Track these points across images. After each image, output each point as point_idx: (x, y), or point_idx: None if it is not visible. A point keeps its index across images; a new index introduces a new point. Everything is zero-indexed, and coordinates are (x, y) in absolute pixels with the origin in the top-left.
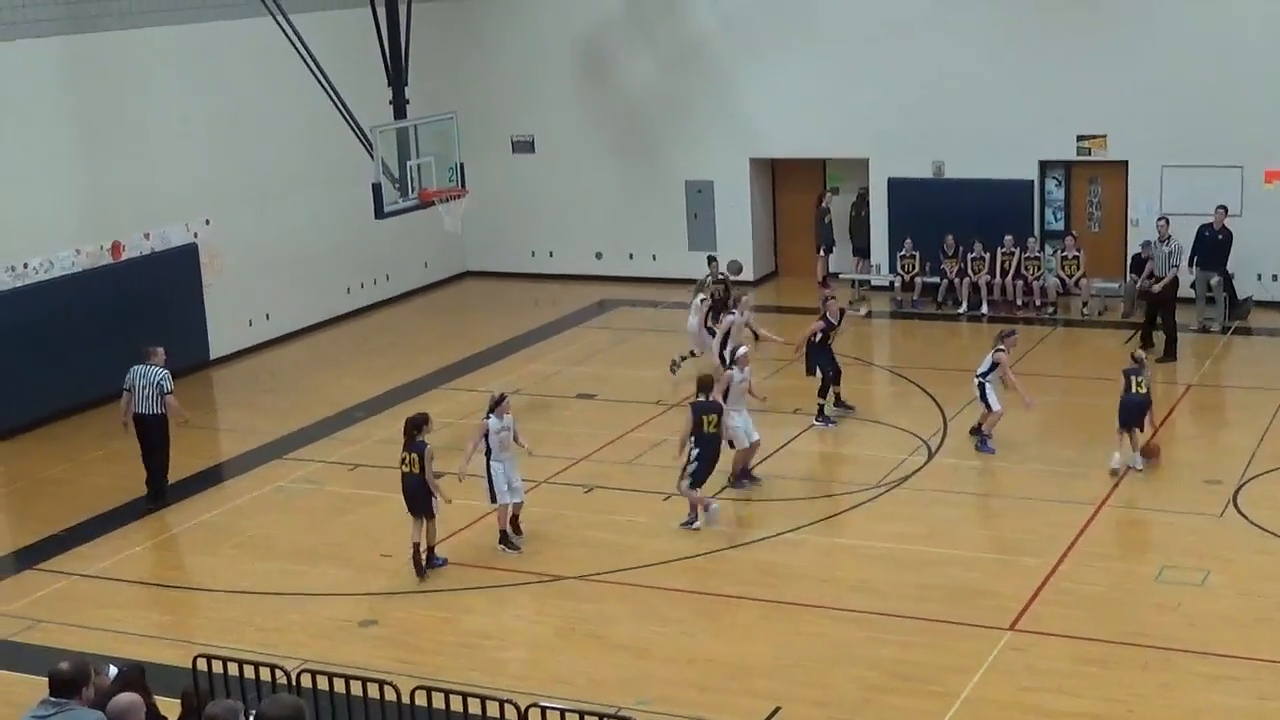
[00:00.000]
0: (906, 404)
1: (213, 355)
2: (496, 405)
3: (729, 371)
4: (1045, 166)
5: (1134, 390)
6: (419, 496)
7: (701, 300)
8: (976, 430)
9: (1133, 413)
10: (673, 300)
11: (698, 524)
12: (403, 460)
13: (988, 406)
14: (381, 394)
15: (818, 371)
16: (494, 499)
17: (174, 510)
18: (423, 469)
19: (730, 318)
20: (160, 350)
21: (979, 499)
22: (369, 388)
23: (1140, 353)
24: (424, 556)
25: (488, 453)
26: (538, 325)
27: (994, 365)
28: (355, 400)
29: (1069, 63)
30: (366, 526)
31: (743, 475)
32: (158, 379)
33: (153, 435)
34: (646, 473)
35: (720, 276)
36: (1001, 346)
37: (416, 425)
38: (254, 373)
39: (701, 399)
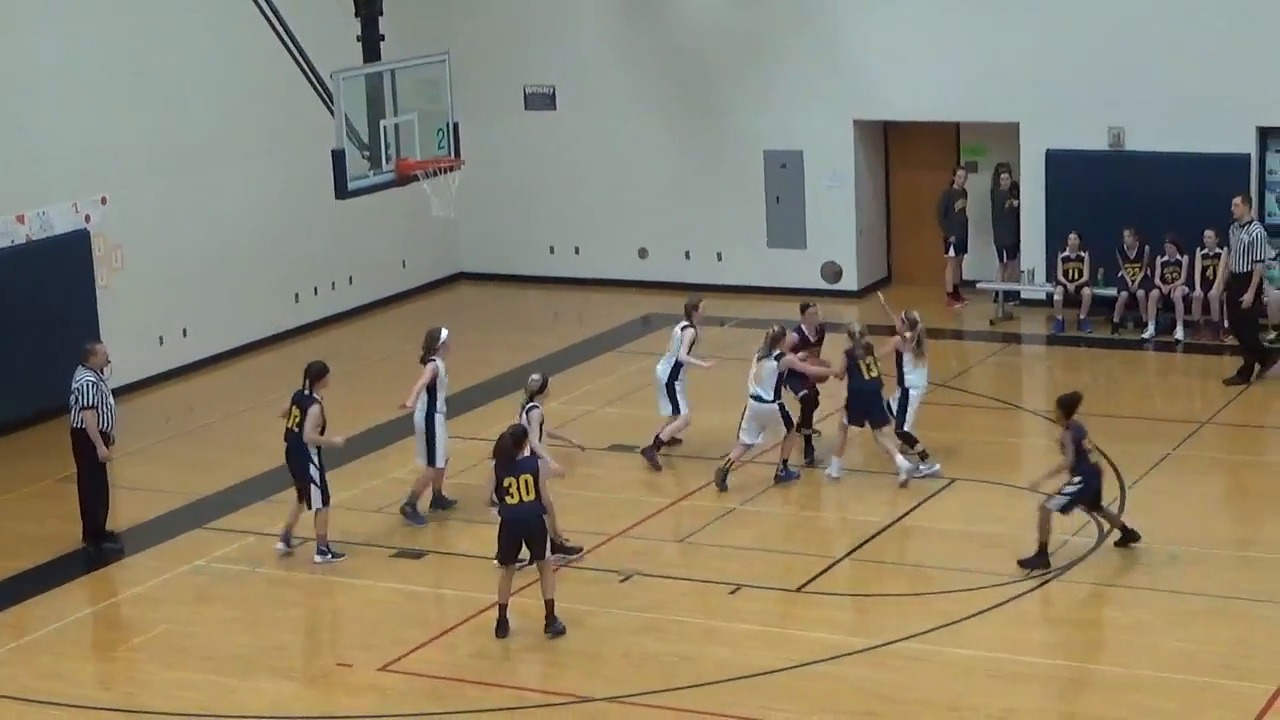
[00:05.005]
0: None
1: (109, 384)
2: (436, 345)
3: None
4: (1266, 135)
5: (867, 376)
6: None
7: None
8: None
9: (870, 403)
10: (749, 316)
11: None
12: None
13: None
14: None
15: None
16: (432, 461)
17: (50, 597)
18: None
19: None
20: (99, 348)
21: (1170, 597)
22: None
23: (857, 326)
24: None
25: (431, 404)
26: (558, 348)
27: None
28: None
29: None
30: (319, 624)
31: None
32: (74, 385)
33: (75, 458)
34: (706, 555)
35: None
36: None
37: (317, 375)
38: (164, 409)
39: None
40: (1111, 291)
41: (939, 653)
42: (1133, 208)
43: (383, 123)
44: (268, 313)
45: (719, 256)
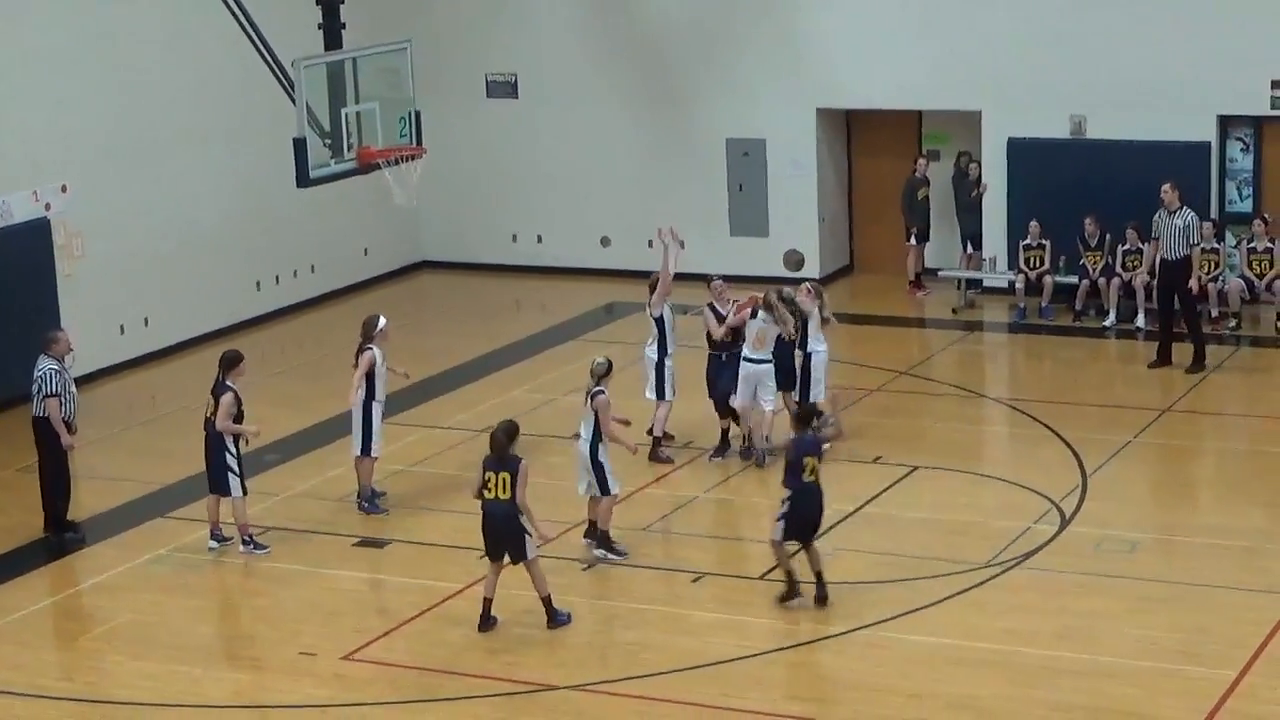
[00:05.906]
0: (1031, 452)
1: (71, 372)
2: (373, 333)
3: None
4: (1227, 124)
5: (787, 340)
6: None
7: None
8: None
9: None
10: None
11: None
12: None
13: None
14: (302, 430)
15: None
16: (367, 450)
17: (12, 587)
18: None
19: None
20: (61, 336)
21: (1131, 585)
22: (285, 421)
23: (789, 291)
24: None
25: (369, 393)
26: (520, 337)
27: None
28: (265, 438)
29: None
30: (281, 614)
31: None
32: (37, 374)
33: (37, 446)
34: (669, 543)
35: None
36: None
37: (230, 364)
38: (126, 398)
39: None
40: (1073, 279)
41: (901, 640)
42: (1094, 196)
43: (344, 111)
44: (229, 301)
45: (681, 245)
